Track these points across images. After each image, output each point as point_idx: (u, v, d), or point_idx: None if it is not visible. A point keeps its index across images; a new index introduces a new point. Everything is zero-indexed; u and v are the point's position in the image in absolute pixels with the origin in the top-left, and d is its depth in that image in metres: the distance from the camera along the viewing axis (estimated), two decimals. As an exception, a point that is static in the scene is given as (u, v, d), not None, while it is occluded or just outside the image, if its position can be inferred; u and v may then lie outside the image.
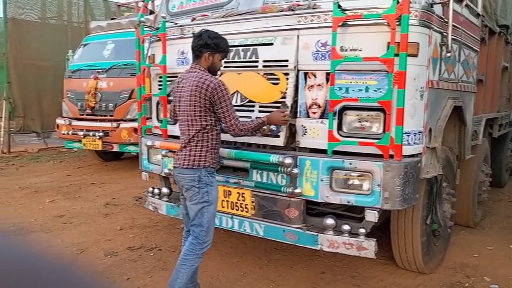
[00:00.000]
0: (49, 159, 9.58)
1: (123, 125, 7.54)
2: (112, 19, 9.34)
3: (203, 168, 2.90)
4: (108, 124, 7.64)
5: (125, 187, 6.88)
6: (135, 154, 7.93)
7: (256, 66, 3.41)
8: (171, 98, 4.02)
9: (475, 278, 3.72)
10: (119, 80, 7.72)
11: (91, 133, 7.71)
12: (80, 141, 7.97)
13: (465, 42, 3.87)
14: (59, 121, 8.36)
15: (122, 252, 4.22)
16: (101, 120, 7.84)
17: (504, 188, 7.11)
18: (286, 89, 3.28)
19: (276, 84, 3.33)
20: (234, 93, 3.48)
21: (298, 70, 3.27)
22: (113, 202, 6.01)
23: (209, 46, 2.92)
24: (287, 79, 3.29)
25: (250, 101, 3.46)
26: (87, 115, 7.97)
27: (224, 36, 3.03)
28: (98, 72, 7.94)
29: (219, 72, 3.31)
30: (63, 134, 8.19)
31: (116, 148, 7.79)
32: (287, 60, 3.26)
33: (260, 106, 3.42)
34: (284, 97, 3.29)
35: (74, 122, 8.09)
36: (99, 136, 7.62)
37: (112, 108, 7.74)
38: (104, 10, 13.18)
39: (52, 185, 7.09)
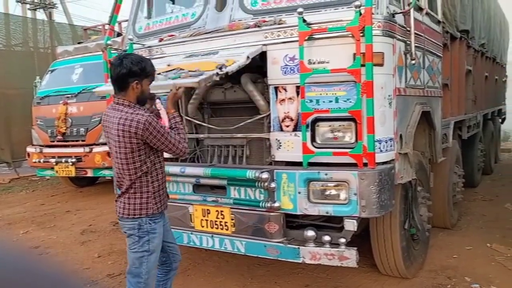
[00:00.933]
0: (21, 188, 9.31)
1: (96, 149, 7.40)
2: (79, 43, 9.24)
3: (144, 217, 2.60)
4: (80, 149, 7.49)
5: (102, 213, 6.73)
6: (110, 178, 7.79)
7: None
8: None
9: (456, 279, 3.78)
10: (90, 104, 7.61)
11: (63, 160, 7.54)
12: (52, 168, 7.78)
13: (428, 48, 3.99)
14: (30, 149, 8.16)
15: (101, 280, 4.11)
16: (73, 146, 7.68)
17: (477, 188, 7.29)
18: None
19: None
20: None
21: (269, 85, 3.30)
22: (89, 229, 5.87)
23: (135, 74, 2.51)
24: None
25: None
26: (58, 141, 7.80)
27: (145, 57, 2.77)
28: (68, 97, 7.81)
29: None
30: (35, 162, 7.98)
31: (90, 173, 7.64)
32: None
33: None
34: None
35: (45, 150, 7.90)
36: (71, 162, 7.46)
37: (83, 132, 7.61)
38: (70, 34, 13.07)
39: (26, 215, 6.88)
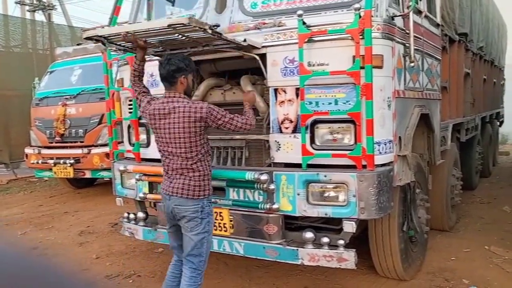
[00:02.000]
0: (19, 190, 9.29)
1: (95, 150, 7.40)
2: (78, 44, 9.24)
3: (205, 198, 2.81)
4: (79, 151, 7.49)
5: (100, 214, 6.72)
6: (108, 179, 7.78)
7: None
8: (142, 121, 4.00)
9: (454, 281, 3.78)
10: (88, 105, 7.61)
11: (61, 161, 7.53)
12: (50, 169, 7.76)
13: (427, 51, 4.01)
14: (28, 150, 8.15)
15: (99, 281, 4.08)
16: (71, 147, 7.67)
17: (475, 190, 7.31)
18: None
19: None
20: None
21: (268, 87, 3.31)
22: (87, 230, 5.86)
23: (182, 69, 2.81)
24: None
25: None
26: (56, 142, 7.79)
27: (187, 56, 3.00)
28: (66, 98, 7.80)
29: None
30: (33, 163, 7.97)
31: (88, 175, 7.63)
32: None
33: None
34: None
35: (44, 151, 7.89)
36: (70, 163, 7.45)
37: (82, 134, 7.60)
38: (69, 36, 13.06)
39: (24, 216, 6.87)
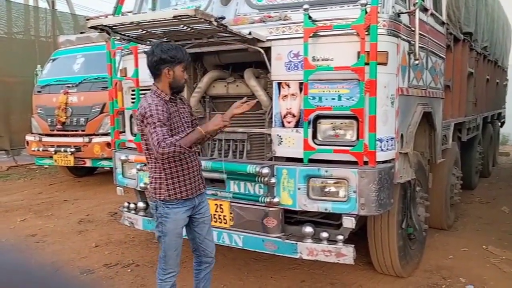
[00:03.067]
0: (19, 177, 9.30)
1: (96, 139, 7.41)
2: (81, 32, 9.22)
3: (159, 200, 2.70)
4: (80, 139, 7.49)
5: (99, 203, 6.74)
6: (108, 169, 7.79)
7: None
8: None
9: (451, 280, 3.80)
10: (90, 94, 7.60)
11: (62, 149, 7.54)
12: (51, 157, 7.77)
13: (431, 49, 4.00)
14: (29, 137, 8.15)
15: (98, 270, 4.12)
16: (72, 136, 7.68)
17: (474, 190, 7.32)
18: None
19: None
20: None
21: (272, 80, 3.30)
22: (87, 219, 5.87)
23: (166, 61, 2.60)
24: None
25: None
26: (57, 130, 7.79)
27: (178, 45, 2.77)
28: (68, 86, 7.80)
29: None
30: (33, 150, 7.98)
31: (88, 164, 7.64)
32: None
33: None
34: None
35: (45, 138, 7.89)
36: (70, 151, 7.45)
37: (83, 122, 7.60)
38: (72, 24, 13.00)
39: (23, 203, 6.88)
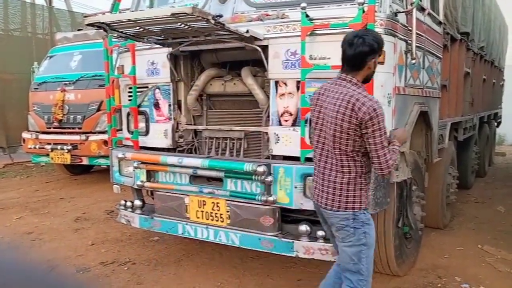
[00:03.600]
0: (16, 174, 9.28)
1: (92, 137, 7.38)
2: (78, 30, 9.19)
3: (358, 210, 2.37)
4: (76, 137, 7.46)
5: (96, 201, 6.73)
6: (105, 167, 7.77)
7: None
8: (142, 109, 4.00)
9: (446, 279, 3.82)
10: (87, 91, 7.58)
11: (59, 147, 7.50)
12: (47, 155, 7.74)
13: (428, 49, 4.01)
14: (25, 135, 8.12)
15: (94, 268, 4.12)
16: (69, 133, 7.65)
17: (470, 190, 7.34)
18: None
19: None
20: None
21: (269, 79, 3.31)
22: (83, 217, 5.86)
23: (375, 51, 2.30)
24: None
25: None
26: (54, 128, 7.76)
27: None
28: (65, 84, 7.76)
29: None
30: (30, 148, 7.94)
31: (85, 161, 7.61)
32: None
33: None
34: None
35: (41, 136, 7.86)
36: (67, 149, 7.42)
37: (80, 120, 7.58)
38: (70, 21, 12.97)
39: (20, 201, 6.87)
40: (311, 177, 3.07)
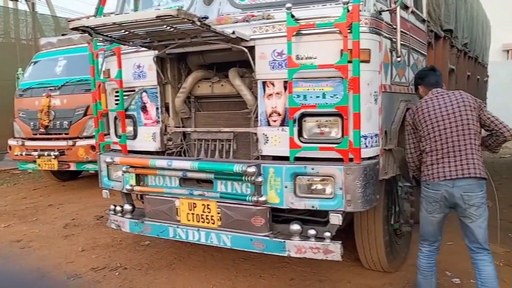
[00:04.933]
0: (2, 182, 9.15)
1: (80, 142, 7.32)
2: (63, 34, 9.10)
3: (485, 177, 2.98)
4: (63, 143, 7.39)
5: (85, 207, 6.67)
6: (93, 172, 7.72)
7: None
8: (129, 112, 3.98)
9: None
10: (73, 96, 7.52)
11: (46, 153, 7.43)
12: (34, 161, 7.66)
13: (413, 46, 4.05)
14: (11, 142, 8.02)
15: (85, 274, 4.08)
16: (56, 139, 7.57)
17: (458, 185, 7.40)
18: None
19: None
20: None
21: (256, 80, 3.31)
22: (73, 223, 5.81)
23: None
24: None
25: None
26: (40, 134, 7.69)
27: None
28: (51, 89, 7.69)
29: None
30: (16, 155, 7.85)
31: (73, 167, 7.55)
32: None
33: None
34: None
35: (28, 142, 7.78)
36: (54, 155, 7.35)
37: (67, 126, 7.51)
38: (53, 26, 12.85)
39: (7, 209, 6.78)
40: (301, 176, 3.09)
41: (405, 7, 3.77)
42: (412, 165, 3.29)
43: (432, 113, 3.03)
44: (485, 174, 2.97)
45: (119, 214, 4.00)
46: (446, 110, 3.00)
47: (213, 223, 3.41)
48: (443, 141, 2.97)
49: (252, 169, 3.07)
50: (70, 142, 7.33)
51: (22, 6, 17.00)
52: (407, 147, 3.27)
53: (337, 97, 3.02)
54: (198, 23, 2.78)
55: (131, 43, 3.45)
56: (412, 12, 4.02)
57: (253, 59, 3.26)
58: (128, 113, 3.98)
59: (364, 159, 3.05)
